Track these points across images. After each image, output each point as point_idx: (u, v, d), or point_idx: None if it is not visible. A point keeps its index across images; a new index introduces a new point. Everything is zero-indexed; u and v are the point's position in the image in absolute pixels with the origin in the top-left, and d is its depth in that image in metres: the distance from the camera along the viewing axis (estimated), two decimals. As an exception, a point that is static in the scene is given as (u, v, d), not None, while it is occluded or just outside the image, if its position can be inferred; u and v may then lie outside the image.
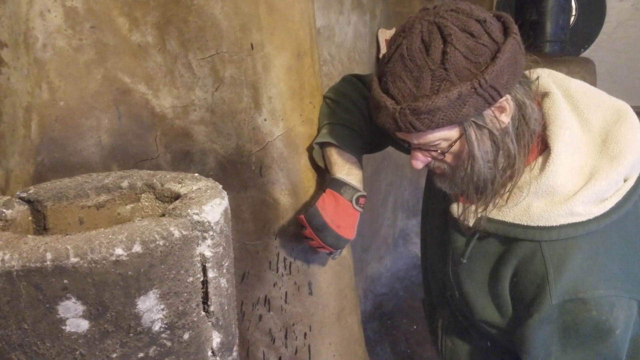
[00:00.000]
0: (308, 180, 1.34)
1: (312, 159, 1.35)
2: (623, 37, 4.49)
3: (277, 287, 1.38)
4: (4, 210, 0.89)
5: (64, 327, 0.72)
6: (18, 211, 0.92)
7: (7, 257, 0.70)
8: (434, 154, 0.99)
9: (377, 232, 2.98)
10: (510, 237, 1.02)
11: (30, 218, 0.96)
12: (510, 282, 1.05)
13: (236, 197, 1.33)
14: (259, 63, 1.25)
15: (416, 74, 0.89)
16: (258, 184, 1.32)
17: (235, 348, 0.99)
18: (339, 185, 1.23)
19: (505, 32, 0.92)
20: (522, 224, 1.00)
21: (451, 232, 1.14)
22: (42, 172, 1.20)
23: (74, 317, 0.72)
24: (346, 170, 1.25)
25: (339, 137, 1.26)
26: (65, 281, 0.70)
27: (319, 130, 1.34)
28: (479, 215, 1.04)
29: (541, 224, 0.97)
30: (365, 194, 1.25)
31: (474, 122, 0.92)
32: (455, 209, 1.09)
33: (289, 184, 1.32)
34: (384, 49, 3.18)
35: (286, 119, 1.29)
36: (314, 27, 1.40)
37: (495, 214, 1.03)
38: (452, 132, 0.94)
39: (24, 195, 0.94)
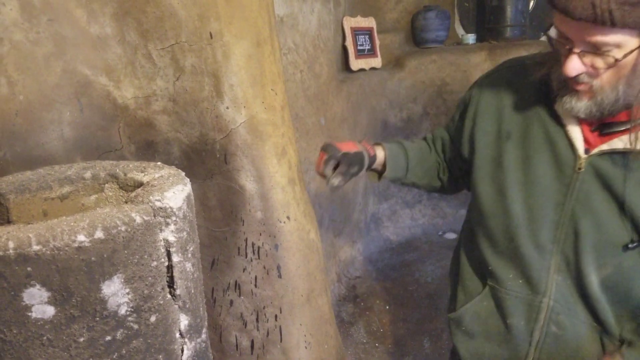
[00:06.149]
0: (272, 166, 1.37)
1: (275, 146, 1.37)
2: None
3: (246, 272, 1.41)
4: (-34, 204, 0.90)
5: (29, 314, 0.74)
6: (-20, 205, 0.93)
7: (-31, 247, 0.71)
8: (598, 62, 0.88)
9: (349, 217, 3.03)
10: None
11: (-8, 211, 0.96)
12: None
13: (202, 185, 1.35)
14: (218, 52, 1.26)
15: None
16: (223, 172, 1.35)
17: (204, 330, 1.02)
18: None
19: None
20: None
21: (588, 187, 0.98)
22: (4, 167, 1.20)
23: (39, 304, 0.74)
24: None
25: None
26: (28, 269, 0.72)
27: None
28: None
29: None
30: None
31: None
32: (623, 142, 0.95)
33: (254, 170, 1.35)
34: (349, 37, 3.21)
35: (248, 106, 1.31)
36: (273, 15, 1.42)
37: None
38: (632, 40, 0.84)
39: (-15, 189, 0.95)
